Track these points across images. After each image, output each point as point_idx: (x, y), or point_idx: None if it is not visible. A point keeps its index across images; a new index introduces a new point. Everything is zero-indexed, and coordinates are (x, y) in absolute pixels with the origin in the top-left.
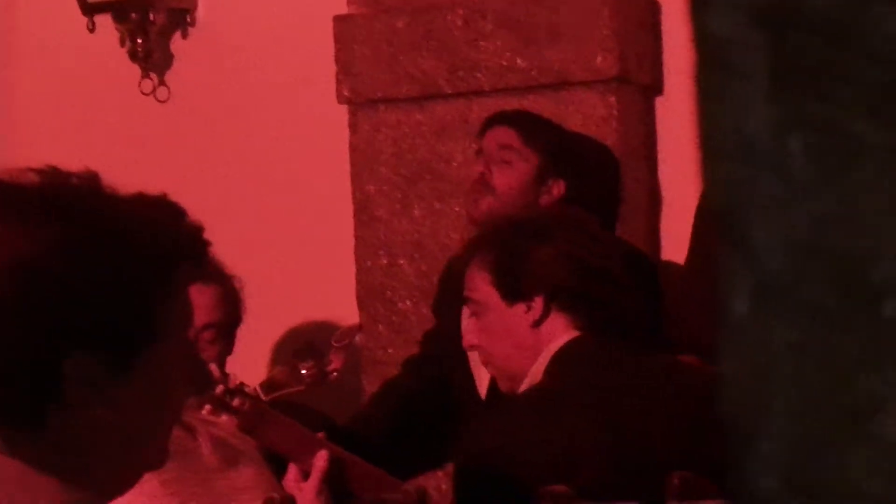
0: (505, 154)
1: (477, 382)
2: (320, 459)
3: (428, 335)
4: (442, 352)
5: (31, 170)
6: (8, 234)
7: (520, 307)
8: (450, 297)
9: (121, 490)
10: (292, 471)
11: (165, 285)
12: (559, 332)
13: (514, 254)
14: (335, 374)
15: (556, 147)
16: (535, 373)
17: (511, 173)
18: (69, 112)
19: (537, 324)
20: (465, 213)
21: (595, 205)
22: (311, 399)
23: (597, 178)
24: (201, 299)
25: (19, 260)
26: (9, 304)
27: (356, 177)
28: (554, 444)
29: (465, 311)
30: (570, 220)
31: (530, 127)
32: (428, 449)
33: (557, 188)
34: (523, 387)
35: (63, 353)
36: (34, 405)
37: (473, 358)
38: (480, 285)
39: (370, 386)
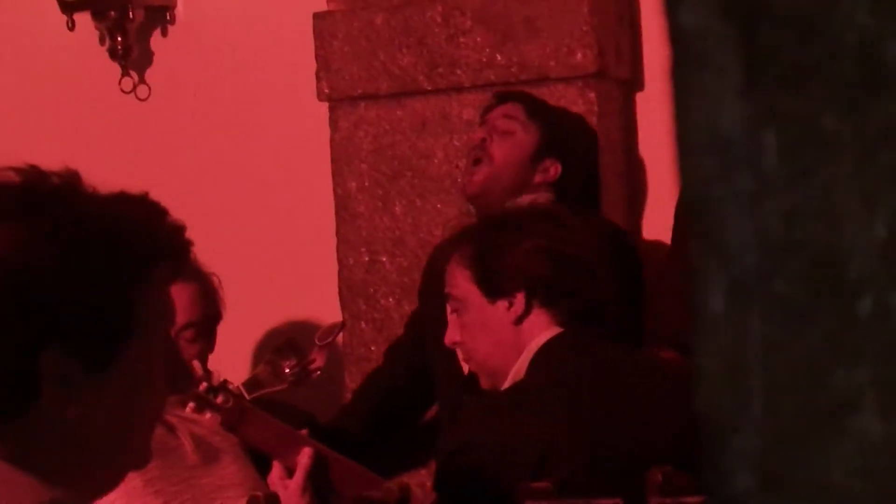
0: (508, 123)
1: (460, 360)
2: (304, 457)
3: (411, 321)
4: (425, 337)
5: (11, 168)
6: None
7: (501, 304)
8: (434, 284)
9: (104, 489)
10: (276, 468)
11: (143, 283)
12: (541, 329)
13: (495, 250)
14: (318, 372)
15: (556, 126)
16: (518, 370)
17: (512, 143)
18: (49, 110)
19: (519, 321)
20: (459, 186)
21: (585, 188)
22: (294, 397)
23: (588, 161)
24: (180, 298)
25: None
26: None
27: (337, 174)
28: (535, 439)
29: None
30: (550, 216)
31: (536, 103)
32: (411, 437)
33: (554, 168)
34: (506, 384)
35: (37, 348)
36: (10, 400)
37: None
38: (461, 282)
39: (353, 383)
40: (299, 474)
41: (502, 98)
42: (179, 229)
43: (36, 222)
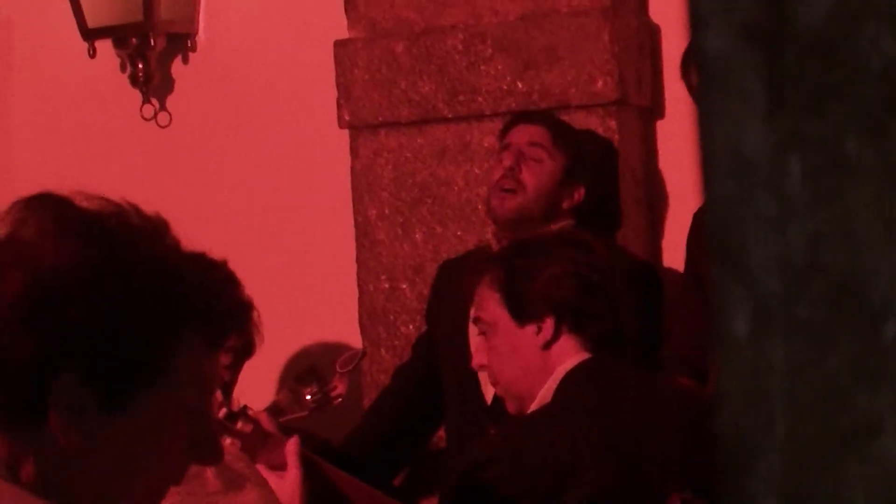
0: (536, 151)
1: (483, 389)
2: (292, 445)
3: (419, 342)
4: (440, 360)
5: (103, 198)
6: (41, 242)
7: (530, 328)
8: (443, 304)
9: None
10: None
11: (178, 338)
12: (569, 354)
13: (525, 274)
14: (339, 399)
15: (580, 151)
16: (545, 395)
17: (541, 171)
18: (70, 138)
19: (547, 345)
20: (489, 211)
21: (607, 212)
22: (315, 424)
23: (609, 186)
24: None
25: (39, 268)
26: (16, 304)
27: (357, 201)
28: (557, 460)
29: (473, 329)
30: (578, 241)
31: (560, 128)
32: (417, 462)
33: (578, 193)
34: (532, 408)
35: (53, 370)
36: (18, 414)
37: None
38: (490, 305)
39: None
40: (292, 463)
41: (523, 119)
42: (246, 303)
43: (89, 248)
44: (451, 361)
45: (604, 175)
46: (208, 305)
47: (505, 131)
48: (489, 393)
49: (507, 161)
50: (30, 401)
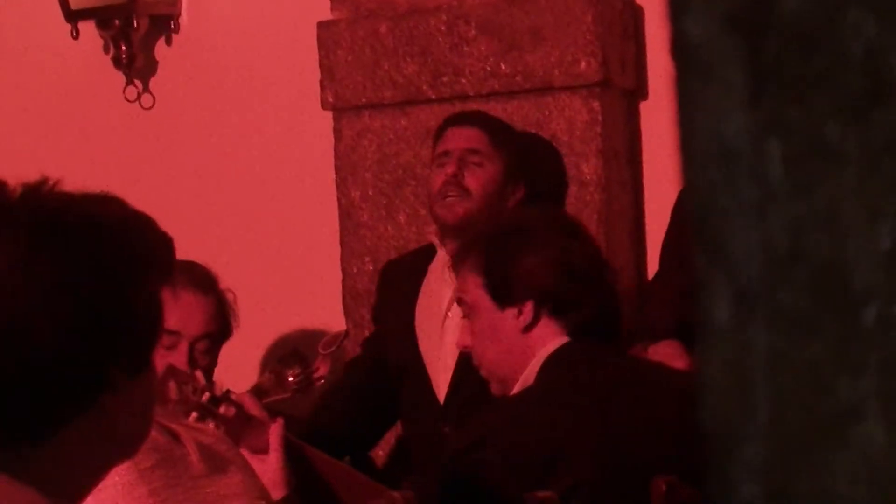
0: (474, 157)
1: (435, 389)
2: (277, 427)
3: (369, 340)
4: (388, 360)
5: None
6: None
7: (511, 311)
8: (390, 303)
9: (83, 496)
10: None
11: (154, 294)
12: (549, 338)
13: (506, 258)
14: (322, 380)
15: (518, 149)
16: (527, 378)
17: (484, 175)
18: (53, 119)
19: (528, 329)
20: (435, 218)
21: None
22: (298, 405)
23: (549, 180)
24: (200, 310)
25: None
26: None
27: (341, 183)
28: (543, 445)
29: (422, 327)
30: (560, 225)
31: (495, 128)
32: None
33: (520, 191)
34: (515, 390)
35: (109, 354)
36: (62, 412)
37: (430, 363)
38: (472, 288)
39: None
40: (275, 447)
41: (458, 121)
42: (169, 240)
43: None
44: (401, 363)
45: (544, 170)
46: (153, 250)
47: (440, 134)
48: (441, 393)
49: (450, 168)
50: (83, 395)
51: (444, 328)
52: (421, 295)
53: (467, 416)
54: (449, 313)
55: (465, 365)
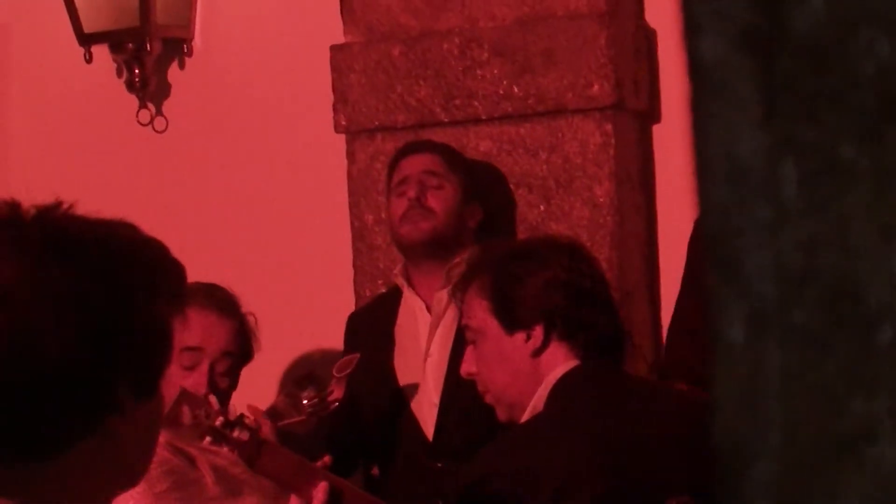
0: (433, 179)
1: (423, 427)
2: (320, 492)
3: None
4: (361, 409)
5: None
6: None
7: (519, 336)
8: (361, 351)
9: None
10: (294, 502)
11: (164, 318)
12: (559, 362)
13: (513, 281)
14: (336, 403)
15: (470, 171)
16: (537, 402)
17: (445, 195)
18: (66, 142)
19: (537, 353)
20: (398, 242)
21: (505, 230)
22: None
23: (498, 202)
24: (222, 332)
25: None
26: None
27: (354, 206)
28: (555, 470)
29: (402, 367)
30: (566, 248)
31: (448, 153)
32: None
33: (477, 212)
34: (525, 416)
35: (117, 374)
36: (68, 432)
37: (416, 403)
38: (479, 313)
39: None
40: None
41: (411, 150)
42: (181, 267)
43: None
44: (378, 407)
45: (494, 194)
46: (168, 277)
47: (394, 166)
48: (429, 429)
49: (411, 192)
50: (97, 413)
51: (426, 365)
52: (397, 337)
53: (460, 450)
54: (430, 351)
55: (451, 399)
